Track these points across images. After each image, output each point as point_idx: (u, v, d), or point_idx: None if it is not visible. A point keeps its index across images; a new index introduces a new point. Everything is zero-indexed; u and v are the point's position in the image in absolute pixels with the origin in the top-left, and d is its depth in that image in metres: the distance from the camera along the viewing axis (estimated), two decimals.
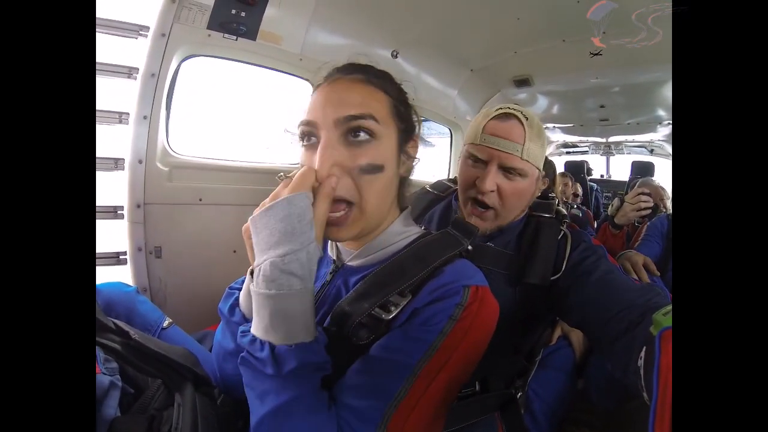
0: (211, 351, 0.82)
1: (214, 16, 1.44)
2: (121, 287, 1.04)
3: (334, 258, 0.74)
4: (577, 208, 3.59)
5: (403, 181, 0.71)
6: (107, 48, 1.39)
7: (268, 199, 0.57)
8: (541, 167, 0.97)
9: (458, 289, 0.61)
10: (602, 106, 3.18)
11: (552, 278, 0.88)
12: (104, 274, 1.42)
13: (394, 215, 0.71)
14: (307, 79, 1.82)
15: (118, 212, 1.45)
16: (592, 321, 0.79)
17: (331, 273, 0.72)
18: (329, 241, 0.76)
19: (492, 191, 0.91)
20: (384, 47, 2.01)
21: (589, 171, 5.62)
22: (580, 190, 4.29)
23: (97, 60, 1.37)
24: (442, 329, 0.58)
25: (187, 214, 1.58)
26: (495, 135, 0.91)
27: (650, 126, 3.76)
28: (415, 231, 0.72)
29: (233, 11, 1.47)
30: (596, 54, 2.01)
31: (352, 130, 0.61)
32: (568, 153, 5.63)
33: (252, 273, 0.56)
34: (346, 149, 0.61)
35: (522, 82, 2.56)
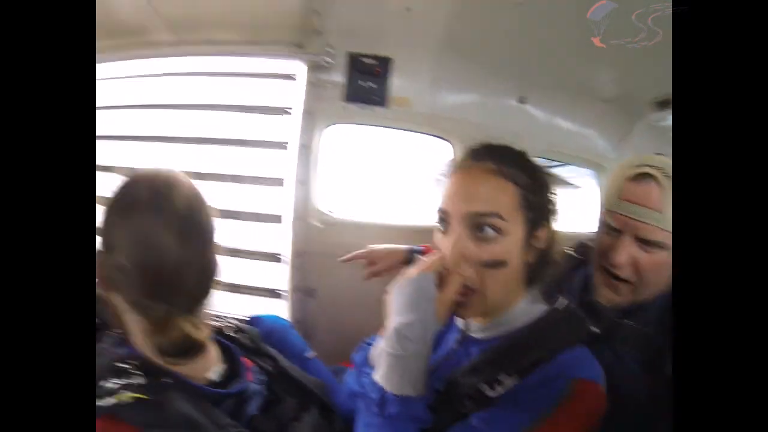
0: (340, 382, 0.95)
1: (347, 91, 1.72)
2: (279, 320, 1.21)
3: (462, 328, 0.79)
4: None
5: (536, 260, 0.73)
6: (264, 126, 1.76)
7: (405, 274, 0.70)
8: None
9: (563, 381, 0.63)
10: None
11: None
12: (265, 307, 1.72)
13: (521, 294, 0.74)
14: (439, 137, 1.93)
15: (279, 258, 1.73)
16: None
17: (457, 341, 0.79)
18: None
19: (625, 265, 0.82)
20: (510, 95, 2.03)
21: None
22: None
23: (256, 137, 1.75)
24: (538, 417, 0.60)
25: (340, 266, 1.78)
26: (631, 202, 0.82)
27: None
28: (539, 310, 0.73)
29: (362, 83, 1.72)
30: None
31: (479, 226, 0.67)
32: None
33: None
34: (473, 243, 0.68)
35: (663, 104, 2.29)
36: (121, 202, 0.67)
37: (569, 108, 2.28)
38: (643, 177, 0.82)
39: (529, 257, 0.71)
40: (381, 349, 0.67)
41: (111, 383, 0.60)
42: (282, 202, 1.73)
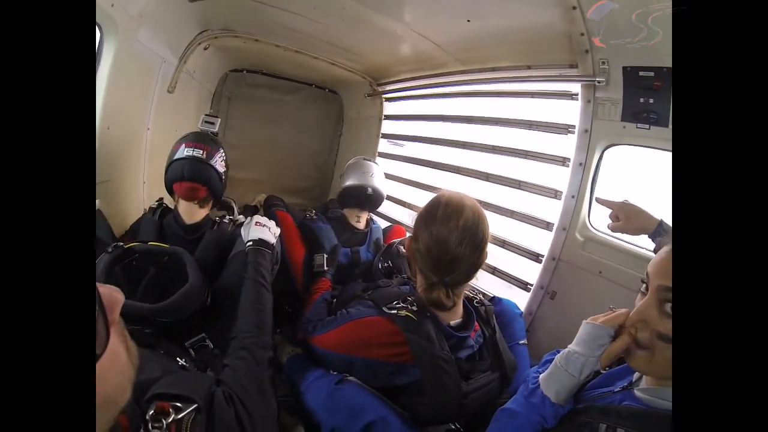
0: None
1: (625, 108, 1.54)
2: (514, 307, 1.67)
3: (632, 379, 0.85)
4: None
5: None
6: (550, 143, 1.90)
7: (600, 316, 0.82)
8: None
9: None
10: None
11: None
12: (516, 294, 2.01)
13: None
14: None
15: (539, 258, 1.97)
16: None
17: (621, 387, 0.84)
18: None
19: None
20: None
21: None
22: None
23: (542, 151, 1.94)
24: None
25: (587, 279, 1.79)
26: None
27: None
28: None
29: (641, 100, 1.47)
30: None
31: (669, 300, 0.70)
32: None
33: None
34: (658, 314, 0.71)
35: None
36: (427, 213, 1.16)
37: None
38: None
39: None
40: (556, 358, 0.84)
41: (397, 305, 1.12)
42: (556, 212, 1.90)
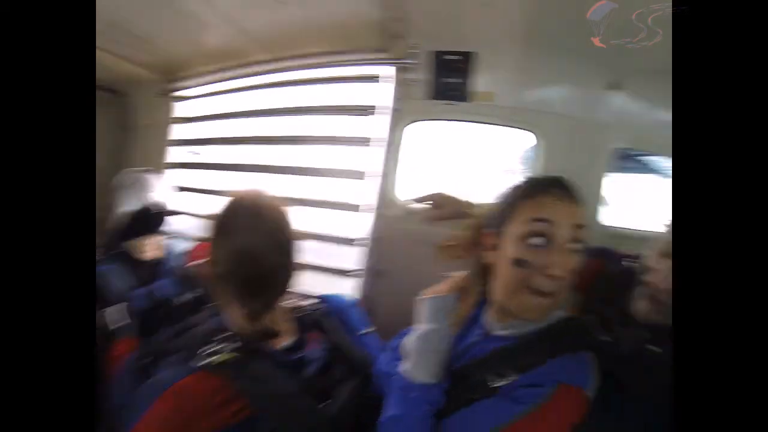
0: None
1: (431, 89, 1.74)
2: (343, 299, 1.35)
3: (486, 326, 0.86)
4: None
5: None
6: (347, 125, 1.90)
7: (431, 289, 0.86)
8: None
9: (548, 383, 0.69)
10: None
11: None
12: (338, 286, 1.90)
13: None
14: (523, 129, 1.85)
15: (355, 242, 1.91)
16: None
17: (479, 336, 0.86)
18: (484, 312, 0.89)
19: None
20: (598, 84, 1.80)
21: None
22: None
23: (343, 134, 1.90)
24: (520, 413, 0.67)
25: (411, 251, 1.88)
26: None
27: None
28: (558, 315, 0.79)
29: (446, 80, 1.71)
30: None
31: (574, 239, 0.72)
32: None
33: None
34: (570, 256, 0.72)
35: None
36: (219, 225, 0.90)
37: (664, 97, 1.90)
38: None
39: None
40: (409, 345, 0.82)
41: (211, 347, 0.84)
42: (362, 193, 1.90)
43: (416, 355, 0.80)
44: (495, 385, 0.72)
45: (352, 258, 1.90)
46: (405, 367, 0.81)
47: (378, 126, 1.83)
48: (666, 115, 2.03)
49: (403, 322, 0.96)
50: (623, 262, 1.13)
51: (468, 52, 1.67)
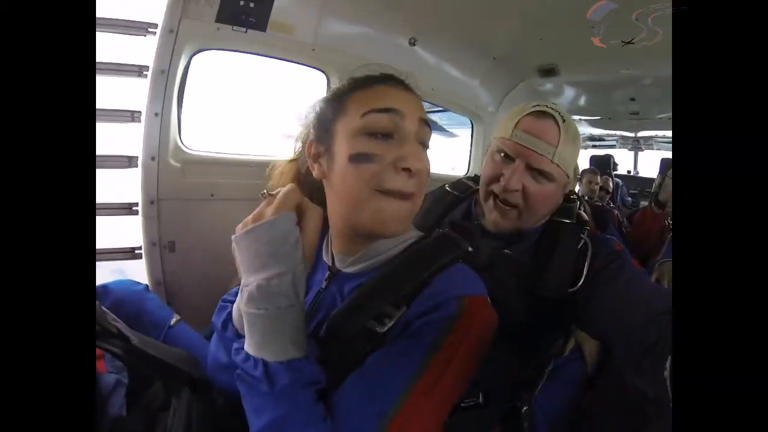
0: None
1: (222, 9, 1.40)
2: (131, 285, 1.05)
3: (330, 264, 0.71)
4: (608, 204, 3.45)
5: None
6: (116, 47, 1.38)
7: (250, 218, 0.57)
8: (571, 175, 0.91)
9: (450, 301, 0.59)
10: (632, 99, 3.01)
11: (571, 290, 0.83)
12: (120, 269, 1.48)
13: None
14: (321, 70, 1.76)
15: (133, 208, 1.46)
16: (616, 333, 0.76)
17: (326, 279, 0.70)
18: (324, 247, 0.74)
19: (516, 191, 0.86)
20: (401, 35, 1.91)
21: (615, 166, 5.41)
22: (610, 185, 4.11)
23: (107, 60, 1.37)
24: (434, 343, 0.57)
25: (200, 210, 1.57)
26: (528, 133, 0.86)
27: None
28: (412, 236, 0.69)
29: (242, 2, 1.42)
30: (628, 42, 1.87)
31: (422, 140, 0.64)
32: (594, 147, 5.43)
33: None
34: (422, 149, 0.64)
35: (548, 72, 2.42)
36: None
37: (459, 57, 2.25)
38: (542, 114, 0.87)
39: None
40: (246, 313, 0.55)
41: None
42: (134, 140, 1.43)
43: (266, 321, 0.54)
44: (383, 329, 0.58)
45: (131, 230, 1.48)
46: (253, 349, 0.55)
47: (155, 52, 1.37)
48: (453, 71, 2.37)
49: (214, 299, 0.73)
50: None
51: None
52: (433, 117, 3.18)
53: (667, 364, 0.54)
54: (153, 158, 1.42)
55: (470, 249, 0.66)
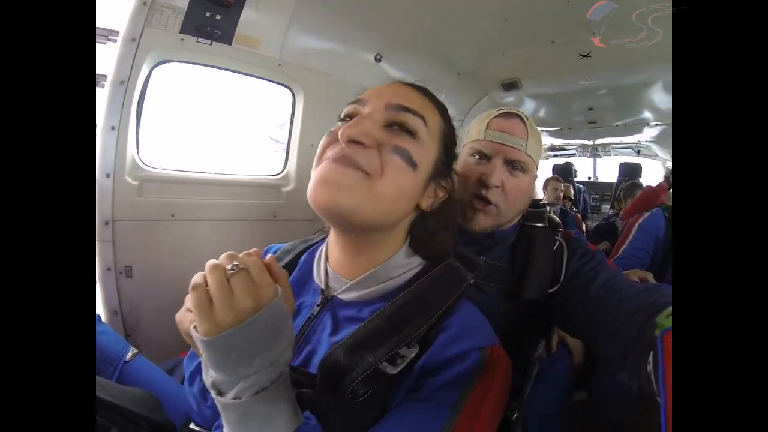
0: (182, 382, 0.74)
1: (187, 20, 1.40)
2: None
3: (322, 287, 0.67)
4: (571, 209, 3.67)
5: (421, 217, 0.67)
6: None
7: (196, 305, 0.45)
8: (538, 166, 1.00)
9: (473, 352, 0.57)
10: (590, 109, 3.25)
11: (550, 290, 0.88)
12: None
13: (400, 242, 0.66)
14: (286, 86, 1.80)
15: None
16: (598, 332, 0.79)
17: (318, 305, 0.66)
18: (318, 266, 0.69)
19: (498, 186, 0.92)
20: (367, 50, 1.99)
21: (576, 173, 5.77)
22: (571, 192, 4.39)
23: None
24: (459, 399, 0.54)
25: (159, 231, 1.53)
26: (500, 131, 0.94)
27: (637, 128, 3.86)
28: (416, 263, 0.67)
29: (208, 14, 1.43)
30: (585, 56, 2.05)
31: (398, 123, 0.60)
32: (555, 156, 5.74)
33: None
34: (384, 131, 0.59)
35: (510, 86, 2.59)
36: None
37: (425, 73, 2.35)
38: (509, 114, 0.96)
39: (424, 202, 0.65)
40: (223, 403, 0.47)
41: None
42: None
43: (252, 416, 0.47)
44: (395, 371, 0.54)
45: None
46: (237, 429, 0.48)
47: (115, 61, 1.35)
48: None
49: (170, 333, 0.61)
50: None
51: None
52: None
53: (650, 358, 0.60)
54: (108, 175, 1.38)
55: (471, 281, 0.66)
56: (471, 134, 1.00)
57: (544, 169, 5.80)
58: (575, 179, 5.64)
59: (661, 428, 0.42)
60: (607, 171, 6.11)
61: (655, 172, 5.15)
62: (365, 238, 0.63)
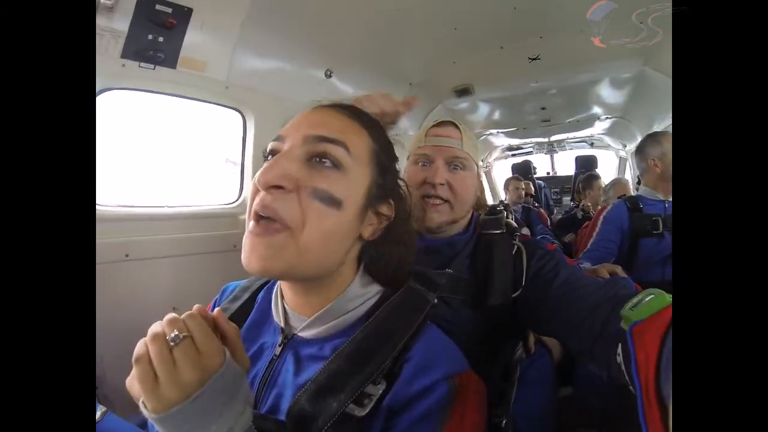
0: None
1: (128, 43, 1.33)
2: None
3: (282, 325, 0.65)
4: (533, 206, 3.77)
5: (367, 246, 0.64)
6: None
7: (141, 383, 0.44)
8: (479, 163, 1.08)
9: (441, 383, 0.55)
10: (543, 108, 3.35)
11: (514, 295, 0.90)
12: None
13: (351, 275, 0.64)
14: (236, 109, 1.75)
15: None
16: (564, 329, 0.81)
17: (279, 345, 0.64)
18: (276, 304, 0.67)
19: (443, 184, 0.99)
20: (317, 67, 1.97)
21: (535, 170, 5.95)
22: (532, 189, 4.52)
23: None
24: (436, 430, 0.53)
25: (114, 274, 1.43)
26: (437, 136, 1.04)
27: (589, 122, 4.02)
28: (374, 292, 0.65)
29: (150, 36, 1.36)
30: (534, 59, 2.11)
31: (318, 155, 0.57)
32: (513, 155, 5.90)
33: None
34: (305, 167, 0.56)
35: (463, 92, 2.63)
36: None
37: (377, 86, 2.35)
38: (443, 122, 1.07)
39: (365, 231, 0.62)
40: None
41: None
42: None
43: None
44: (363, 413, 0.52)
45: None
46: None
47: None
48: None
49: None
50: None
51: (184, 7, 1.38)
52: None
53: (618, 349, 0.62)
54: None
55: (435, 301, 0.65)
56: (413, 144, 1.09)
57: (504, 169, 5.96)
58: (535, 176, 5.81)
59: (640, 419, 0.43)
60: (565, 165, 6.35)
61: (609, 161, 5.39)
62: (311, 281, 0.61)
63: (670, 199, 1.74)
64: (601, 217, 1.85)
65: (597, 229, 1.83)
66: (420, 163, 1.04)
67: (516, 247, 0.95)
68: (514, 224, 1.03)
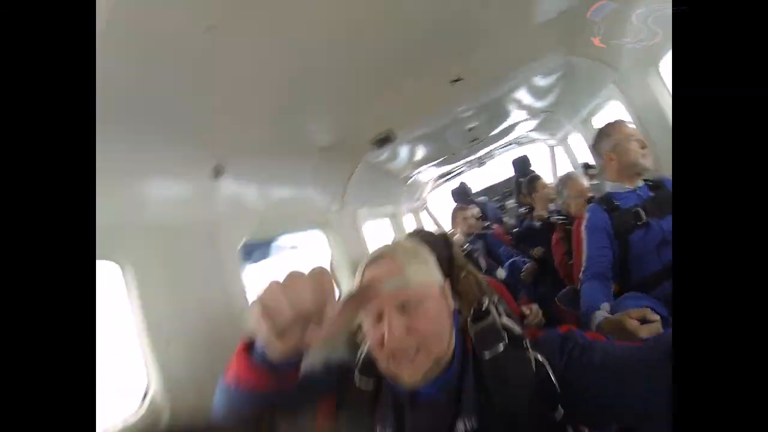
0: None
1: None
2: None
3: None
4: (488, 229, 3.50)
5: None
6: None
7: None
8: (440, 276, 0.94)
9: None
10: (469, 130, 3.10)
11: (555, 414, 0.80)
12: None
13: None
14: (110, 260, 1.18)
15: None
16: (609, 415, 0.81)
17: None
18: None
19: (403, 336, 0.83)
20: (200, 169, 1.43)
21: (470, 190, 5.77)
22: (478, 212, 4.24)
23: None
24: None
25: None
26: (374, 279, 0.92)
27: (513, 128, 3.88)
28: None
29: None
30: (456, 80, 1.79)
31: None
32: (446, 182, 5.72)
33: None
34: None
35: (383, 141, 2.22)
36: None
37: (281, 170, 1.90)
38: (375, 260, 0.92)
39: None
40: None
41: None
42: None
43: None
44: None
45: None
46: None
47: None
48: (279, 193, 1.96)
49: None
50: None
51: None
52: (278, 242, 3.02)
53: None
54: None
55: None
56: (355, 300, 0.81)
57: (442, 196, 5.82)
58: (473, 196, 5.65)
59: None
60: (495, 171, 6.40)
61: (540, 154, 5.44)
62: None
63: (640, 185, 1.72)
64: (584, 230, 1.79)
65: (585, 243, 1.76)
66: (372, 318, 0.88)
67: (534, 361, 0.83)
68: (516, 328, 0.90)
